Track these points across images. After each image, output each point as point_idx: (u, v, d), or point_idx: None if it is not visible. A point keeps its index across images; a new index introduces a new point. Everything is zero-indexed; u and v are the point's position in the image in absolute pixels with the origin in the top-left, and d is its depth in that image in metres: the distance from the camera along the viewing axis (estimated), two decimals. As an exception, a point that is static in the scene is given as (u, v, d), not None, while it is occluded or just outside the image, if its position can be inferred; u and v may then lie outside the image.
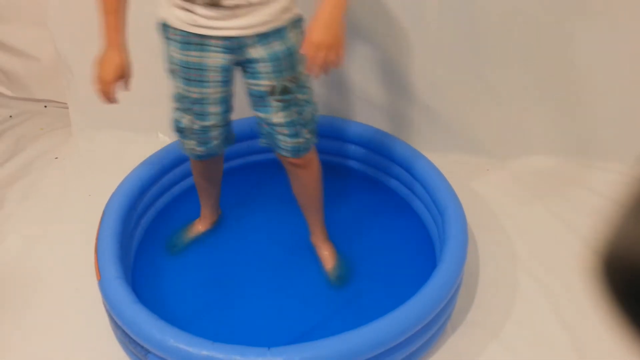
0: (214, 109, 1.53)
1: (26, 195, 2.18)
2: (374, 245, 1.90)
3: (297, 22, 1.45)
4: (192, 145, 1.61)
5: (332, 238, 1.86)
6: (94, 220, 1.75)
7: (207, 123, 1.55)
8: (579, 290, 1.74)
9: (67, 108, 2.47)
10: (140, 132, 2.37)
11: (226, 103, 1.55)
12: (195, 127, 1.55)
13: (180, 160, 2.02)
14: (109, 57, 1.43)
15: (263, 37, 1.40)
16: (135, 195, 1.84)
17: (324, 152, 2.16)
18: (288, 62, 1.43)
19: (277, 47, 1.41)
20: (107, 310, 1.60)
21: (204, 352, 1.37)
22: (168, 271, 1.84)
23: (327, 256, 1.82)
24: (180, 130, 1.59)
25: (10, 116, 2.60)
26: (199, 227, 1.94)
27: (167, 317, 1.48)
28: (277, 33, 1.40)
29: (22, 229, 2.03)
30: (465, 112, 2.21)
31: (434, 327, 1.55)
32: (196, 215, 2.01)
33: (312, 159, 1.63)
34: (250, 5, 1.34)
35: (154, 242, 1.93)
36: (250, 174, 2.16)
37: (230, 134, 1.66)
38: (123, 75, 1.45)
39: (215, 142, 1.61)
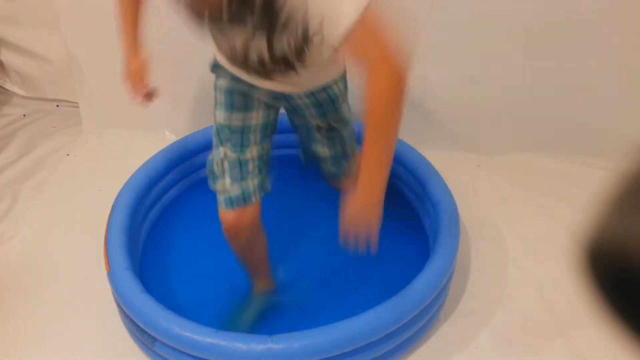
0: (254, 137, 1.41)
1: (39, 190, 2.17)
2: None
3: (341, 77, 1.44)
4: (225, 186, 1.38)
5: (328, 230, 1.83)
6: (103, 214, 1.74)
7: (244, 156, 1.39)
8: (566, 280, 1.73)
9: (78, 107, 2.47)
10: (147, 130, 2.36)
11: (265, 132, 1.44)
12: (232, 158, 1.39)
13: (185, 157, 2.02)
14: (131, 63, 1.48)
15: (310, 93, 1.39)
16: (143, 190, 1.84)
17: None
18: (332, 107, 1.44)
19: (320, 96, 1.41)
20: (115, 300, 1.59)
21: (208, 340, 1.36)
22: (174, 263, 1.83)
23: None
24: (212, 171, 1.43)
25: (24, 115, 2.59)
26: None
27: (173, 306, 1.47)
28: (322, 88, 1.40)
29: (36, 223, 2.02)
30: (457, 110, 2.20)
31: (428, 314, 1.55)
32: (202, 211, 2.00)
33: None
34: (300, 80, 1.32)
35: (160, 235, 1.92)
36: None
37: (266, 181, 1.45)
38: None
39: (249, 180, 1.39)
